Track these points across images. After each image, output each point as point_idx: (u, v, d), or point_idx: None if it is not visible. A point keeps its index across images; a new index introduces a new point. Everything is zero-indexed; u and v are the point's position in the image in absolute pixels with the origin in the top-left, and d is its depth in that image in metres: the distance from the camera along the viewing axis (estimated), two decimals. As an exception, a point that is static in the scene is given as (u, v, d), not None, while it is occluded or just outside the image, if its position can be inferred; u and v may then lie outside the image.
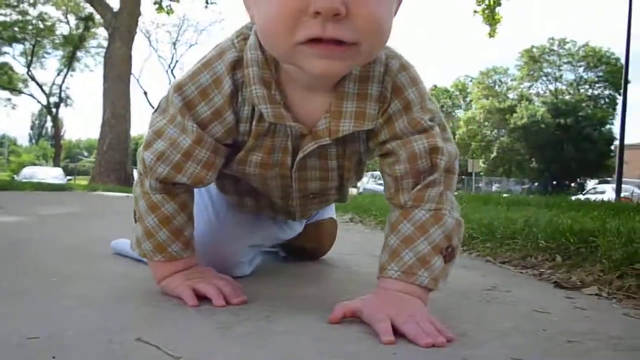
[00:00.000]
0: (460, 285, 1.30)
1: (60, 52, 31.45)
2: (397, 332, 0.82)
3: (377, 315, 0.85)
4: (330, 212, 1.56)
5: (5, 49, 29.48)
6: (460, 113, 43.88)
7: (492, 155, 36.05)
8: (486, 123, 37.52)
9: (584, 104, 35.99)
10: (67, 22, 29.84)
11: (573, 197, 8.46)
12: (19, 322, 0.82)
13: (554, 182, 34.63)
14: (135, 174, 1.10)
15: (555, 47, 37.57)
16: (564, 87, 38.73)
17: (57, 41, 30.56)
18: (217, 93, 0.94)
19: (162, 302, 0.99)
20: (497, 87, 41.04)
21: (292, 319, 0.91)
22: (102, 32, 24.99)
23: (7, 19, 28.41)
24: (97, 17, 17.94)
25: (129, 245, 1.30)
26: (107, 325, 0.82)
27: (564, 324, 0.96)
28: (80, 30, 29.66)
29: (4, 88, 30.22)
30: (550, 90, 39.01)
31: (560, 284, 1.36)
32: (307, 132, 0.96)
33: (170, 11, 15.13)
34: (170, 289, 1.02)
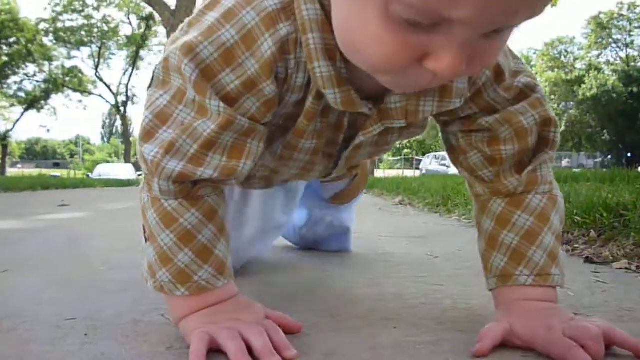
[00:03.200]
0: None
1: (124, 52, 32.74)
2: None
3: (558, 343, 0.65)
4: None
5: (74, 53, 31.03)
6: (524, 87, 42.23)
7: (560, 130, 34.58)
8: (552, 96, 36.00)
9: (658, 70, 33.95)
10: (130, 23, 31.04)
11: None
12: (62, 305, 0.92)
13: (629, 155, 32.95)
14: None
15: (624, 12, 35.52)
16: (635, 54, 36.65)
17: (121, 42, 31.83)
18: (248, 56, 0.64)
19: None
20: (563, 57, 39.30)
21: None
22: (163, 30, 25.79)
23: (74, 23, 29.80)
24: (158, 16, 18.60)
25: None
26: (139, 307, 0.91)
27: (577, 298, 0.97)
28: (142, 30, 30.71)
29: (75, 90, 31.78)
30: (621, 58, 36.97)
31: (591, 259, 1.36)
32: (372, 113, 0.73)
33: (225, 5, 15.44)
34: (185, 333, 0.72)
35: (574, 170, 7.93)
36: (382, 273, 1.20)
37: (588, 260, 1.35)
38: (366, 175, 1.48)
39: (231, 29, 0.63)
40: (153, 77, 0.71)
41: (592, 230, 1.55)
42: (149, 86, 0.72)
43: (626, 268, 1.25)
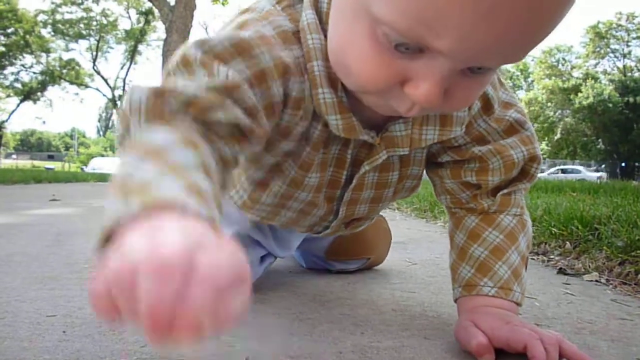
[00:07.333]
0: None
1: (123, 47, 32.71)
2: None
3: (520, 331, 0.69)
4: None
5: (72, 45, 30.94)
6: (521, 94, 42.52)
7: (555, 137, 34.85)
8: (549, 104, 36.17)
9: (655, 81, 34.18)
10: (129, 17, 30.99)
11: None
12: (43, 302, 0.95)
13: (623, 164, 33.15)
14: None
15: (623, 22, 35.71)
16: (632, 64, 36.87)
17: (119, 36, 31.79)
18: (263, 51, 0.62)
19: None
20: (560, 66, 39.49)
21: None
22: (162, 26, 25.74)
23: (73, 16, 29.74)
24: (157, 11, 18.57)
25: None
26: (117, 306, 0.94)
27: (542, 309, 1.01)
28: (141, 24, 30.68)
29: (72, 83, 31.72)
30: (618, 68, 37.19)
31: (564, 270, 1.40)
32: (376, 141, 0.75)
33: (225, 2, 15.44)
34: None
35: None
36: (357, 279, 1.23)
37: (561, 271, 1.39)
38: (381, 231, 1.31)
39: (247, 32, 0.62)
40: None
41: (567, 242, 1.59)
42: None
43: (596, 280, 1.28)
